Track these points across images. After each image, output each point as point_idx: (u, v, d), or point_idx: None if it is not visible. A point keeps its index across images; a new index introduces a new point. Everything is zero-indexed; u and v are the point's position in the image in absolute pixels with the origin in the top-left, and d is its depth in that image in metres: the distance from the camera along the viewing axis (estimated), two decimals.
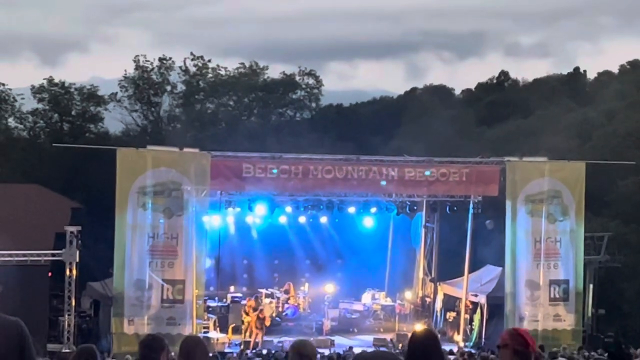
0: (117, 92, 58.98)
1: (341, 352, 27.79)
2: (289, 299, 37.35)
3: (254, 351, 30.18)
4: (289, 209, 35.46)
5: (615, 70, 69.01)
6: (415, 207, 36.37)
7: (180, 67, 60.13)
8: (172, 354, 14.27)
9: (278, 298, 36.88)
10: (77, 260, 30.69)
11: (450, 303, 37.20)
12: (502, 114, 58.89)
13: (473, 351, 29.29)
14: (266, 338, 33.17)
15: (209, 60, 61.63)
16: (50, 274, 32.11)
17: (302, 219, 37.89)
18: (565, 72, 73.09)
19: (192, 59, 60.71)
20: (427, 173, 33.05)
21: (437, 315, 37.86)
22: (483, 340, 33.86)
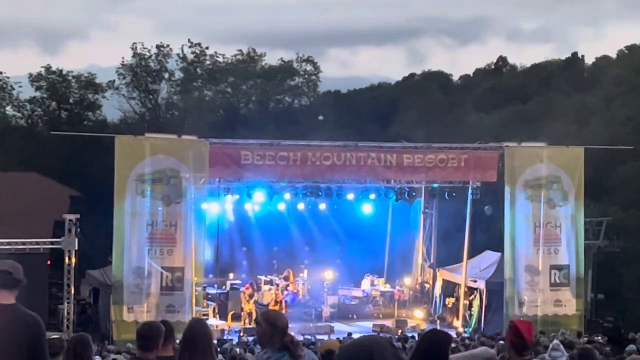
0: (114, 80, 58.93)
1: (341, 339, 27.79)
2: (288, 285, 37.36)
3: (252, 337, 30.19)
4: (287, 196, 35.44)
5: (613, 55, 68.98)
6: (414, 193, 36.38)
7: (177, 55, 60.03)
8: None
9: (277, 285, 36.89)
10: (76, 248, 30.69)
11: (449, 289, 37.21)
12: (500, 100, 58.83)
13: (469, 336, 29.35)
14: None
15: (207, 47, 61.56)
16: (49, 262, 32.08)
17: (300, 206, 37.89)
18: (563, 57, 73.03)
19: (190, 46, 60.62)
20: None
21: (436, 301, 37.89)
22: (482, 325, 33.88)
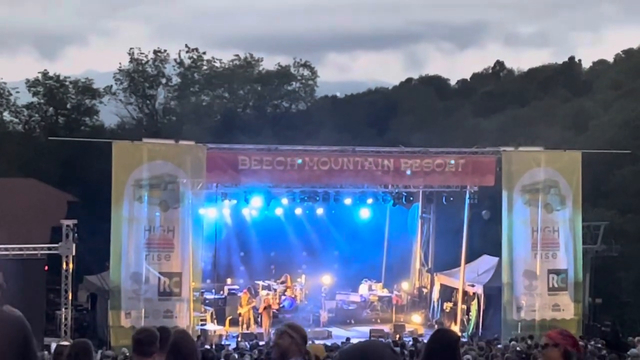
0: (112, 85, 58.94)
1: (339, 344, 27.78)
2: (285, 290, 37.31)
3: (250, 343, 30.16)
4: (285, 201, 35.43)
5: (610, 59, 69.07)
6: (411, 198, 36.40)
7: (175, 60, 60.11)
8: None
9: (275, 290, 36.85)
10: (74, 253, 30.66)
11: (447, 293, 37.21)
12: (497, 104, 58.88)
13: (468, 341, 29.36)
14: (262, 330, 33.21)
15: (204, 53, 61.64)
16: (46, 267, 32.04)
17: (298, 211, 37.87)
18: (561, 62, 73.10)
19: (187, 51, 60.67)
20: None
21: (434, 306, 37.87)
22: (480, 330, 33.89)
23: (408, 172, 33.15)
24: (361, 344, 4.97)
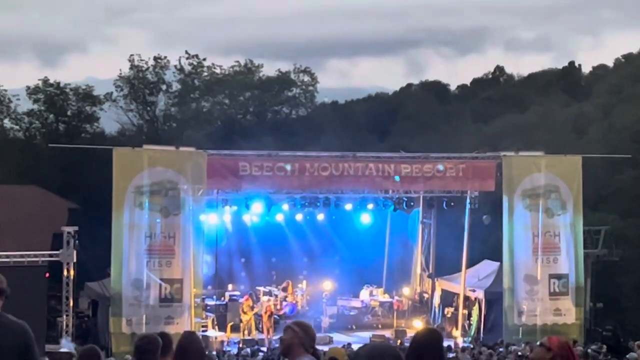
0: (112, 92, 58.95)
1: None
2: (287, 296, 37.34)
3: (251, 349, 30.16)
4: (285, 207, 35.46)
5: (610, 63, 69.08)
6: (412, 203, 36.43)
7: (175, 66, 60.10)
8: None
9: (276, 296, 36.87)
10: (75, 260, 30.63)
11: (448, 298, 37.21)
12: (497, 109, 58.88)
13: (471, 346, 29.38)
14: (263, 336, 33.22)
15: (204, 59, 61.62)
16: (47, 274, 32.01)
17: (299, 217, 37.87)
18: (560, 67, 73.16)
19: (187, 58, 60.69)
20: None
21: (435, 311, 37.87)
22: (481, 335, 33.88)
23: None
24: (376, 346, 4.97)
